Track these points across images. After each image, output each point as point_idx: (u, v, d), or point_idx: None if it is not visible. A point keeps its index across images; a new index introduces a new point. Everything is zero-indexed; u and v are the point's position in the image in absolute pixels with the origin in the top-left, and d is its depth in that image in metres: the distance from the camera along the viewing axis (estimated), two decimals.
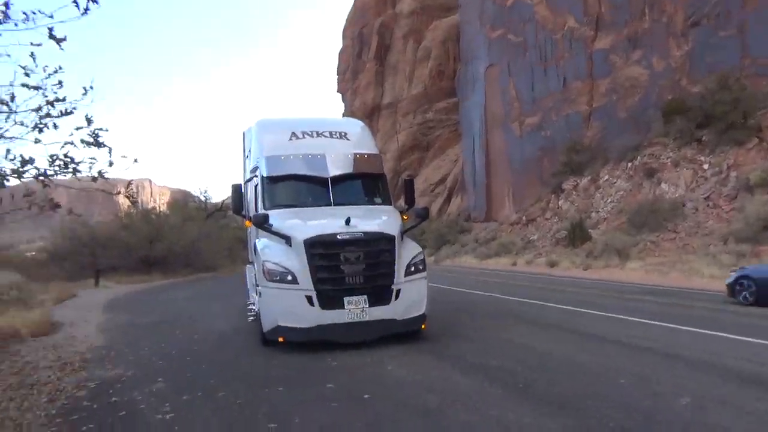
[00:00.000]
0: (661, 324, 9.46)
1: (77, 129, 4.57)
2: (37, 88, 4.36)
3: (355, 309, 7.74)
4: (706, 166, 29.20)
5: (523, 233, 40.09)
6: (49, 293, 19.25)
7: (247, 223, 10.05)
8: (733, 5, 30.98)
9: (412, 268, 8.27)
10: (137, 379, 6.69)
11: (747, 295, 12.12)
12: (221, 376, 6.66)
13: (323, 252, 7.83)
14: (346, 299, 7.73)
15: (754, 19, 29.85)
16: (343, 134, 9.77)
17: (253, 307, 9.37)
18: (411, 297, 8.15)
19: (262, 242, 8.55)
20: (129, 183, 4.94)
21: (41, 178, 4.47)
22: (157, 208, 43.02)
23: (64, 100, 4.47)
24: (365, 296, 7.80)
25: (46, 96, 4.44)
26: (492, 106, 52.41)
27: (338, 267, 7.81)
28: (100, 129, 4.59)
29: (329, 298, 7.73)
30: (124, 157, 4.65)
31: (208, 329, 10.75)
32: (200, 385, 6.25)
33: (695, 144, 30.96)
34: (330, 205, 8.80)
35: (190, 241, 33.92)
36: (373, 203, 9.46)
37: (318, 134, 9.59)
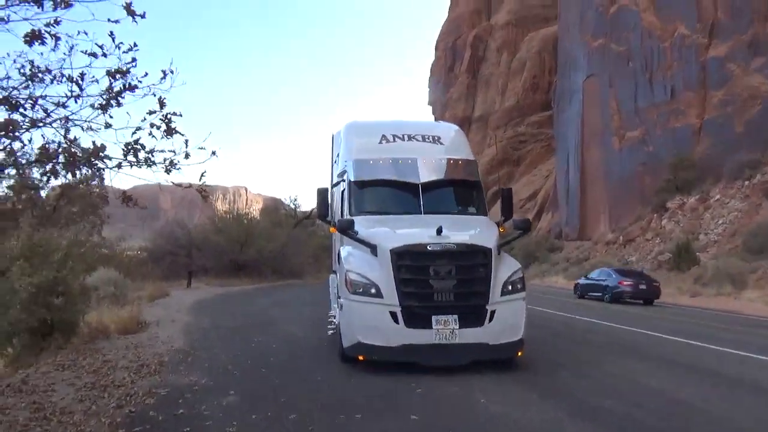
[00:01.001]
0: None
1: (149, 113, 4.16)
2: (121, 72, 4.01)
3: (444, 330, 6.92)
4: None
5: (619, 254, 37.51)
6: (144, 291, 19.95)
7: (332, 229, 9.56)
8: None
9: (509, 287, 7.33)
10: (209, 390, 6.31)
11: None
12: (295, 394, 6.13)
13: (411, 264, 7.11)
14: (434, 318, 6.93)
15: None
16: (436, 138, 9.06)
17: (334, 320, 8.81)
18: (507, 319, 7.21)
19: (346, 250, 7.99)
20: (201, 175, 4.47)
21: (114, 168, 4.16)
22: (249, 214, 44.36)
23: (137, 85, 4.09)
24: (456, 316, 6.96)
25: (121, 78, 4.08)
26: (590, 119, 49.84)
27: (427, 281, 7.05)
28: (174, 114, 4.17)
29: (416, 316, 6.97)
30: (201, 148, 4.25)
31: (287, 339, 10.39)
32: (272, 403, 5.73)
33: None
34: (420, 213, 8.08)
35: (278, 247, 34.51)
36: (467, 213, 8.67)
37: (409, 137, 8.93)
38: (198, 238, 34.69)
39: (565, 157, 55.42)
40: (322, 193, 9.56)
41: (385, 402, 5.82)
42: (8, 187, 16.30)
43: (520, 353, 7.45)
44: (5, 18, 3.87)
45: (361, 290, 7.16)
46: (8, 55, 4.02)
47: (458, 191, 8.90)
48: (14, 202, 17.71)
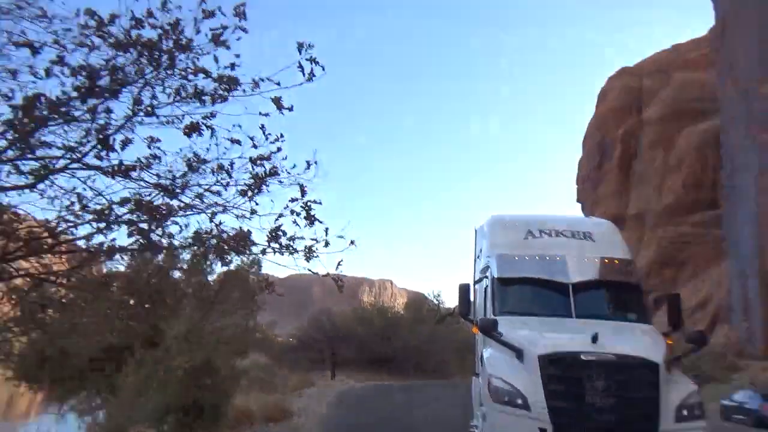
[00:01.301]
0: None
1: (292, 201, 4.39)
2: (264, 159, 4.34)
3: None
4: None
5: None
6: (289, 379, 20.58)
7: (474, 329, 9.16)
8: None
9: (685, 412, 6.28)
10: None
11: None
12: None
13: (562, 374, 6.39)
14: None
15: None
16: (587, 234, 8.47)
17: (476, 430, 8.15)
18: None
19: (489, 353, 7.49)
20: (339, 263, 4.54)
21: (258, 254, 4.41)
22: (393, 307, 44.81)
23: (277, 170, 4.37)
24: None
25: (269, 165, 4.39)
26: (766, 221, 44.46)
27: (582, 396, 6.24)
28: (314, 201, 4.35)
29: None
30: (340, 237, 4.34)
31: None
32: None
33: None
34: (571, 316, 7.41)
35: (421, 342, 34.09)
36: (626, 319, 7.79)
37: (558, 233, 8.46)
38: (343, 328, 35.53)
39: (738, 263, 49.53)
40: (464, 290, 9.29)
41: None
42: (180, 269, 18.13)
43: None
44: (171, 119, 4.35)
45: (506, 399, 6.50)
46: (180, 150, 4.50)
47: (614, 294, 8.11)
48: (181, 284, 19.66)
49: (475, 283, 9.71)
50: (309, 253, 4.40)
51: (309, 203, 4.41)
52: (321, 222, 4.43)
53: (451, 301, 57.02)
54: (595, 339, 6.32)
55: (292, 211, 4.42)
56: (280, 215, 4.39)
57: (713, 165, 65.71)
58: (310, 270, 4.63)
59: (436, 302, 47.52)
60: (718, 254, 60.86)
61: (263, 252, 4.41)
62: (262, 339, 26.01)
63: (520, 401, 6.36)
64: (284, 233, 4.38)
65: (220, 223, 4.42)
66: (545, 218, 9.28)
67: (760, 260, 45.26)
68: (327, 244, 4.41)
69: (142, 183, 4.31)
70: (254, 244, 4.39)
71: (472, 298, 9.40)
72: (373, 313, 37.72)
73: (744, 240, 48.04)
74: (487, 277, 8.43)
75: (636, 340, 6.84)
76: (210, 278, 21.73)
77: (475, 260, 11.04)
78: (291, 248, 4.39)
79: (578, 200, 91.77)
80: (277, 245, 4.36)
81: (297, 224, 4.44)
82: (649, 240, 68.89)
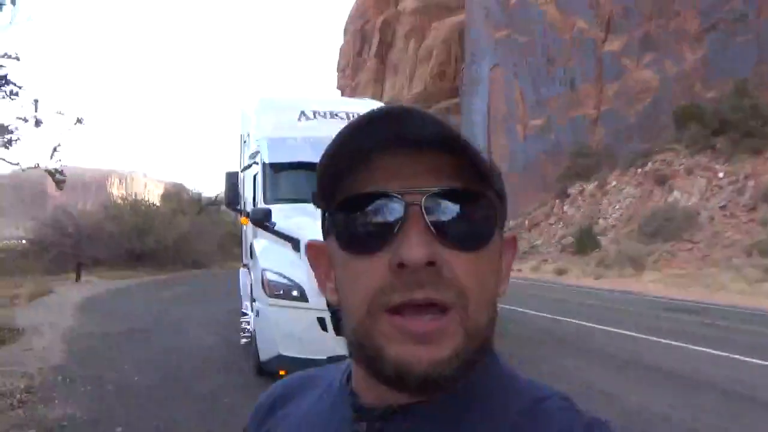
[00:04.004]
0: (740, 358, 7.97)
1: None
2: None
3: None
4: (721, 175, 28.00)
5: (525, 238, 38.78)
6: (22, 289, 17.67)
7: (243, 220, 8.54)
8: (751, 11, 29.92)
9: None
10: (90, 426, 5.13)
11: None
12: (198, 428, 5.17)
13: None
14: None
15: None
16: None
17: (248, 326, 7.80)
18: None
19: (262, 245, 6.99)
20: (54, 149, 3.42)
21: None
22: (148, 199, 41.29)
23: None
24: None
25: None
26: (496, 108, 51.15)
27: None
28: (5, 55, 3.05)
29: None
30: (60, 114, 3.20)
31: (191, 345, 9.17)
32: None
33: (709, 151, 29.80)
34: None
35: (180, 236, 32.34)
36: None
37: (333, 115, 8.05)
38: (89, 227, 31.73)
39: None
40: (231, 178, 8.51)
41: None
42: None
43: None
44: None
45: (281, 293, 6.19)
46: None
47: None
48: None
49: (244, 170, 8.95)
50: (4, 133, 3.14)
51: None
52: (17, 86, 3.13)
53: (212, 190, 54.95)
54: None
55: None
56: None
57: (457, 57, 72.28)
58: (3, 159, 3.40)
59: (196, 192, 45.35)
60: None
61: None
62: None
63: (296, 293, 6.15)
64: None
65: None
66: (319, 100, 8.76)
67: (487, 141, 52.47)
68: (38, 123, 3.19)
69: None
70: None
71: (241, 187, 8.70)
72: (125, 208, 34.34)
73: (476, 124, 54.89)
74: (257, 162, 7.73)
75: None
76: None
77: (241, 145, 10.12)
78: None
79: (338, 87, 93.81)
80: None
81: None
82: None
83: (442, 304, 0.58)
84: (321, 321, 6.08)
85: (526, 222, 40.84)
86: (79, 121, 3.13)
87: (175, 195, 46.13)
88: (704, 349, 8.47)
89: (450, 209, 0.60)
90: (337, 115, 8.04)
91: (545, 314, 12.73)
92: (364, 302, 0.59)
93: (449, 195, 0.60)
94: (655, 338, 9.51)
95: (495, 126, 51.39)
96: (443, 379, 0.58)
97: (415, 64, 78.20)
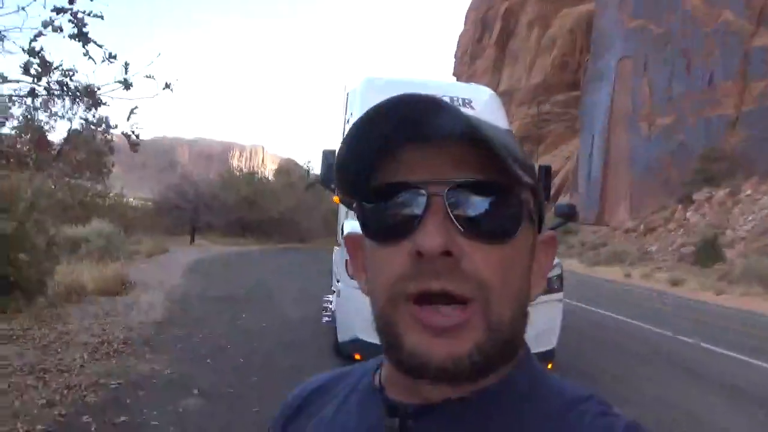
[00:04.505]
0: None
1: (56, 11, 2.99)
2: None
3: None
4: None
5: (639, 243, 36.19)
6: (142, 246, 19.20)
7: (336, 198, 8.51)
8: None
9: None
10: (169, 385, 5.31)
11: None
12: (272, 401, 5.17)
13: None
14: None
15: None
16: (466, 102, 7.70)
17: (330, 305, 7.75)
18: (538, 324, 5.95)
19: (351, 224, 6.91)
20: (131, 111, 3.39)
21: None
22: (261, 173, 43.42)
23: None
24: None
25: None
26: (619, 103, 47.90)
27: None
28: (89, 14, 3.01)
29: None
30: (148, 77, 3.17)
31: (281, 317, 9.37)
32: (239, 415, 4.72)
33: None
34: None
35: (287, 209, 33.68)
36: None
37: None
38: (206, 194, 33.95)
39: (589, 139, 53.66)
40: (328, 157, 8.49)
41: None
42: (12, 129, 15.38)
43: (550, 365, 5.85)
44: None
45: None
46: None
47: None
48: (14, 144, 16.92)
49: None
50: (90, 95, 3.15)
51: (80, 13, 3.02)
52: (98, 45, 3.14)
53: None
54: None
55: (55, 28, 3.05)
56: (39, 34, 3.03)
57: (581, 48, 68.60)
58: (87, 121, 3.46)
59: (306, 169, 46.90)
60: (573, 132, 65.61)
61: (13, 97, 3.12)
62: (108, 204, 23.65)
63: None
64: (47, 63, 3.06)
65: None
66: (423, 82, 8.38)
67: (607, 139, 49.43)
68: (127, 85, 3.18)
69: None
70: (5, 80, 3.08)
71: None
72: (239, 180, 36.32)
73: (597, 118, 51.84)
74: None
75: None
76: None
77: (344, 125, 10.08)
78: (66, 88, 3.11)
79: (454, 74, 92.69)
80: (30, 79, 3.06)
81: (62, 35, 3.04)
82: (514, 116, 72.20)
83: (460, 297, 0.58)
84: None
85: (642, 226, 38.11)
86: (167, 86, 3.10)
87: (286, 171, 48.07)
88: None
89: (472, 201, 0.59)
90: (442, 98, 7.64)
91: (660, 330, 11.28)
92: (386, 290, 0.60)
93: (473, 187, 0.60)
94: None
95: (616, 123, 48.22)
96: (462, 372, 0.58)
97: (536, 54, 75.29)
